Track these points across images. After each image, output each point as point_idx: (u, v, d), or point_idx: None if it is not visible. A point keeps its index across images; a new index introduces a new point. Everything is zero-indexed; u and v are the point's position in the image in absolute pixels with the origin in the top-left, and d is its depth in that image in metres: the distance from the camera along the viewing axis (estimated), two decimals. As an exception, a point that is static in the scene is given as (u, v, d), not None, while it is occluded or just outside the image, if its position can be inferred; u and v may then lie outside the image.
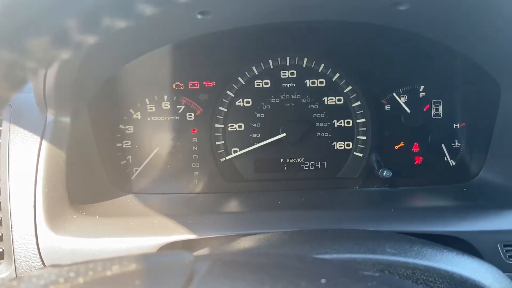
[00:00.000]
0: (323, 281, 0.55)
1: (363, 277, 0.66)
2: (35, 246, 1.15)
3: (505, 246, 1.13)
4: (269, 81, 1.64)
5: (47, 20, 0.38)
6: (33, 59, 0.40)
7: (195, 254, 0.86)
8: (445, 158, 1.61)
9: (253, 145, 1.63)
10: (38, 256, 1.15)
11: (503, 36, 1.17)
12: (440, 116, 1.62)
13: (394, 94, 1.62)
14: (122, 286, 0.50)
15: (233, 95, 1.63)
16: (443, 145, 1.61)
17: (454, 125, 1.62)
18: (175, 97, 1.63)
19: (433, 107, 1.62)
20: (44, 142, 1.24)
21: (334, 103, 1.63)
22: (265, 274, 0.58)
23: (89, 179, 1.43)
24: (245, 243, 0.88)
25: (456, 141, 1.62)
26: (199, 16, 1.11)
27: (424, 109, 1.61)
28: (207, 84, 1.62)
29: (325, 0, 1.14)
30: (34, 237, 1.15)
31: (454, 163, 1.62)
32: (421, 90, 1.61)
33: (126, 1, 0.39)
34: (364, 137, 1.63)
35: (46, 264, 1.15)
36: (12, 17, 0.38)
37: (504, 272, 0.92)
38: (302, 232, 0.97)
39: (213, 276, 0.54)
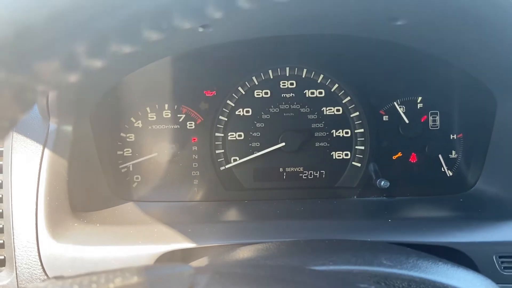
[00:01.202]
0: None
1: (359, 290, 0.68)
2: (36, 254, 1.16)
3: (500, 257, 1.14)
4: (269, 91, 1.66)
5: (57, 45, 0.40)
6: (43, 82, 0.42)
7: (193, 264, 0.88)
8: (442, 168, 1.63)
9: (253, 154, 1.65)
10: (39, 263, 1.16)
11: (499, 49, 1.19)
12: (437, 127, 1.64)
13: (392, 104, 1.63)
14: (124, 298, 0.52)
15: (233, 105, 1.65)
16: (440, 156, 1.63)
17: (451, 136, 1.64)
18: (175, 106, 1.65)
19: (430, 118, 1.64)
20: (46, 151, 1.26)
21: (332, 113, 1.66)
22: (264, 286, 0.59)
23: (90, 187, 1.44)
24: (243, 253, 0.90)
25: (453, 152, 1.64)
26: (200, 29, 1.13)
27: (422, 120, 1.63)
28: (208, 94, 1.64)
29: (324, 16, 1.16)
30: (36, 245, 1.17)
31: (451, 174, 1.63)
32: (418, 101, 1.64)
33: (133, 29, 0.40)
34: (362, 147, 1.64)
35: (47, 271, 1.16)
36: (23, 42, 0.39)
37: (500, 283, 0.94)
38: (300, 243, 0.99)
39: (212, 289, 0.55)
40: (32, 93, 0.42)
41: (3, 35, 0.38)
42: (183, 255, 1.22)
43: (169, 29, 0.43)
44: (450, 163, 1.63)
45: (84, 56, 0.41)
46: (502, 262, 1.14)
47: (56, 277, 0.56)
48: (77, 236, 1.21)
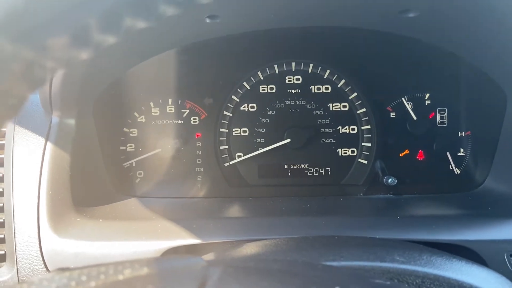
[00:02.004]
0: (337, 288, 0.54)
1: (374, 285, 0.66)
2: (38, 249, 1.14)
3: (511, 256, 1.12)
4: (274, 86, 1.63)
5: (69, 19, 0.38)
6: (53, 58, 0.39)
7: (207, 259, 0.85)
8: (450, 166, 1.61)
9: (257, 150, 1.62)
10: (41, 258, 1.14)
11: (511, 44, 1.17)
12: (445, 124, 1.61)
13: (400, 101, 1.61)
14: (134, 290, 0.49)
15: (238, 100, 1.63)
16: (448, 153, 1.60)
17: (459, 134, 1.61)
18: (179, 101, 1.63)
19: (438, 115, 1.61)
20: (49, 144, 1.24)
21: (339, 109, 1.63)
22: (277, 280, 0.57)
23: (92, 182, 1.42)
24: (254, 248, 0.87)
25: (461, 150, 1.61)
26: (207, 20, 1.11)
27: (429, 117, 1.61)
28: (212, 89, 1.62)
29: (333, 7, 1.14)
30: (37, 240, 1.14)
31: (459, 172, 1.61)
32: (426, 97, 1.61)
33: (149, 1, 0.38)
34: (369, 144, 1.62)
35: (48, 267, 1.14)
36: (33, 15, 0.37)
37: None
38: (309, 239, 0.96)
39: (226, 282, 0.53)
40: (42, 69, 0.40)
41: (12, 6, 0.36)
42: (187, 251, 1.19)
43: (185, 2, 0.40)
44: (458, 161, 1.61)
45: (96, 31, 0.39)
46: (513, 261, 1.12)
47: (62, 269, 0.54)
48: (79, 231, 1.18)
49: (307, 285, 0.57)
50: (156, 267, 0.52)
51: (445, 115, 1.61)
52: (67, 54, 0.40)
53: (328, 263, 0.81)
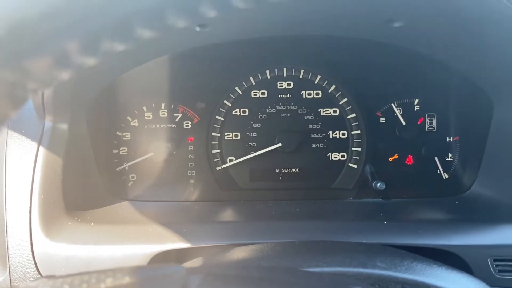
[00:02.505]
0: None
1: (352, 292, 0.68)
2: (30, 253, 1.15)
3: (495, 260, 1.14)
4: (266, 91, 1.65)
5: (49, 43, 0.40)
6: (34, 79, 0.41)
7: (186, 265, 0.87)
8: (438, 171, 1.63)
9: (249, 154, 1.64)
10: (33, 262, 1.15)
11: (496, 52, 1.19)
12: (434, 129, 1.64)
13: (389, 106, 1.63)
14: (115, 299, 0.51)
15: (230, 105, 1.65)
16: (436, 158, 1.63)
17: (448, 139, 1.64)
18: (172, 105, 1.64)
19: (427, 120, 1.64)
20: (41, 149, 1.25)
21: (329, 114, 1.65)
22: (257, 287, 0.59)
23: (85, 185, 1.44)
24: (237, 254, 0.89)
25: (449, 155, 1.64)
26: (197, 29, 1.13)
27: (418, 122, 1.63)
28: (204, 93, 1.64)
29: (321, 17, 1.16)
30: (29, 243, 1.16)
31: (447, 176, 1.63)
32: (415, 103, 1.64)
33: (125, 27, 0.40)
34: (359, 149, 1.64)
35: (40, 270, 1.15)
36: (15, 39, 0.39)
37: (494, 287, 0.93)
38: (294, 244, 0.98)
39: (204, 290, 0.55)
40: (23, 90, 0.42)
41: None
42: (178, 255, 1.21)
43: (163, 28, 0.42)
44: (446, 165, 1.63)
45: (76, 54, 0.41)
46: (496, 266, 1.14)
47: (48, 277, 0.56)
48: (71, 235, 1.20)
49: (286, 292, 0.59)
50: (137, 276, 0.54)
51: (434, 120, 1.63)
52: (48, 76, 0.42)
53: (311, 269, 0.83)
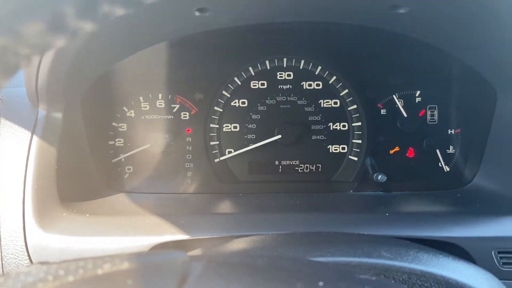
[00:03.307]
0: (321, 284, 0.53)
1: (359, 281, 0.65)
2: (23, 244, 1.13)
3: (499, 253, 1.12)
4: (265, 82, 1.62)
5: (43, 4, 0.37)
6: (27, 45, 0.38)
7: (189, 254, 0.84)
8: (440, 163, 1.61)
9: (248, 146, 1.61)
10: (26, 253, 1.13)
11: (501, 42, 1.17)
12: (435, 121, 1.62)
13: (390, 98, 1.61)
14: (113, 285, 0.48)
15: (228, 95, 1.62)
16: (437, 151, 1.61)
17: (449, 131, 1.62)
18: (169, 95, 1.61)
19: (428, 112, 1.61)
20: (35, 138, 1.22)
21: (330, 106, 1.63)
22: (260, 275, 0.56)
23: (80, 176, 1.41)
24: (240, 244, 0.87)
25: (451, 147, 1.62)
26: (196, 13, 1.10)
27: (420, 114, 1.61)
28: (203, 84, 1.61)
29: (324, 2, 1.13)
30: (22, 234, 1.13)
31: (448, 169, 1.61)
32: (417, 95, 1.61)
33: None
34: (360, 141, 1.62)
35: (33, 261, 1.13)
36: (6, 1, 0.36)
37: (498, 279, 0.91)
38: (297, 235, 0.96)
39: (207, 277, 0.52)
40: (15, 56, 0.38)
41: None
42: (175, 247, 1.18)
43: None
44: (448, 158, 1.61)
45: (72, 17, 0.38)
46: (501, 258, 1.12)
47: (42, 262, 0.53)
48: (65, 226, 1.17)
49: (291, 280, 0.56)
50: (136, 262, 0.51)
51: (436, 112, 1.61)
52: (42, 41, 0.38)
53: (315, 259, 0.80)
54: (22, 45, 0.38)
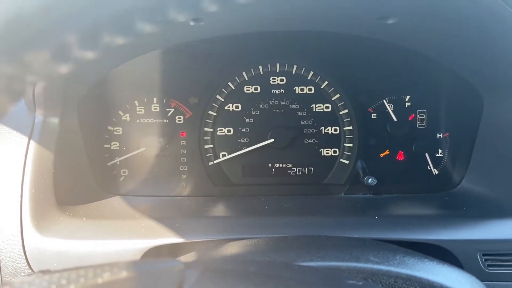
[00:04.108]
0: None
1: (347, 286, 0.68)
2: (21, 247, 1.14)
3: (484, 255, 1.16)
4: (258, 87, 1.65)
5: (48, 36, 0.39)
6: (33, 73, 0.41)
7: (182, 258, 0.87)
8: (428, 167, 1.65)
9: (242, 149, 1.64)
10: (24, 257, 1.14)
11: (487, 49, 1.21)
12: (424, 126, 1.66)
13: (381, 103, 1.65)
14: (113, 293, 0.51)
15: (222, 100, 1.65)
16: (426, 154, 1.65)
17: (438, 135, 1.66)
18: (164, 100, 1.63)
19: (418, 117, 1.65)
20: (32, 143, 1.23)
21: (322, 110, 1.66)
22: (253, 282, 0.59)
23: (76, 180, 1.43)
24: (232, 249, 0.90)
25: (440, 151, 1.66)
26: (191, 23, 1.12)
27: (409, 119, 1.65)
28: (197, 88, 1.63)
29: (314, 12, 1.16)
30: (20, 238, 1.14)
31: (437, 172, 1.65)
32: (406, 100, 1.65)
33: (126, 20, 0.40)
34: (351, 145, 1.66)
35: (31, 265, 1.14)
36: (14, 32, 0.38)
37: (483, 281, 0.95)
38: (289, 239, 0.99)
39: (202, 285, 0.55)
40: (21, 83, 0.41)
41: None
42: (170, 250, 1.21)
43: (163, 21, 0.42)
44: (436, 161, 1.65)
45: (75, 47, 0.40)
46: (485, 260, 1.16)
47: (43, 271, 0.55)
48: (62, 230, 1.19)
49: (282, 286, 0.59)
50: (134, 271, 0.54)
51: (425, 117, 1.65)
52: (47, 69, 0.41)
53: (305, 264, 0.84)
54: (27, 73, 0.41)
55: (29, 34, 0.39)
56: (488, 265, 1.16)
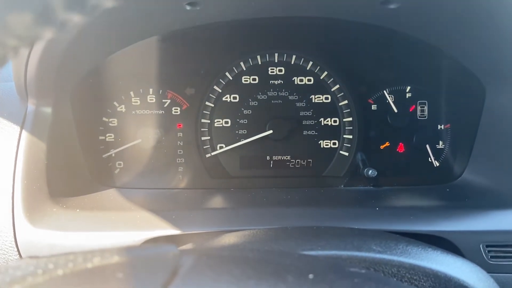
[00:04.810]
0: (310, 276, 0.54)
1: (349, 274, 0.66)
2: (13, 239, 1.12)
3: (487, 246, 1.14)
4: (257, 77, 1.62)
5: (31, -5, 0.36)
6: (15, 36, 0.38)
7: (180, 248, 0.84)
8: (429, 158, 1.63)
9: (239, 141, 1.61)
10: (16, 249, 1.12)
11: (489, 38, 1.18)
12: (425, 117, 1.63)
13: (381, 94, 1.62)
14: (103, 279, 0.48)
15: (220, 90, 1.62)
16: (427, 146, 1.62)
17: (439, 126, 1.63)
18: (160, 90, 1.60)
19: (418, 108, 1.63)
20: (24, 133, 1.21)
21: (321, 101, 1.63)
22: (251, 268, 0.57)
23: (70, 171, 1.39)
24: (231, 238, 0.87)
25: (441, 142, 1.63)
26: (187, 7, 1.09)
27: (410, 110, 1.62)
28: (194, 79, 1.60)
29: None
30: (12, 230, 1.12)
31: (438, 164, 1.63)
32: (407, 90, 1.62)
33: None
34: (350, 136, 1.63)
35: (23, 257, 1.12)
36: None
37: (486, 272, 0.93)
38: (288, 229, 0.96)
39: (198, 270, 0.52)
40: (3, 48, 0.38)
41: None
42: (167, 242, 1.18)
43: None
44: (437, 153, 1.63)
45: (60, 8, 0.37)
46: (489, 251, 1.14)
47: (31, 257, 0.53)
48: (55, 222, 1.16)
49: (281, 273, 0.57)
50: (127, 256, 0.51)
51: (425, 108, 1.63)
52: (30, 33, 0.38)
53: (306, 253, 0.81)
54: (9, 37, 0.38)
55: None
56: (491, 257, 1.14)
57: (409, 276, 0.81)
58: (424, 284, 0.81)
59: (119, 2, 0.38)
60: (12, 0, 0.36)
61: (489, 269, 1.11)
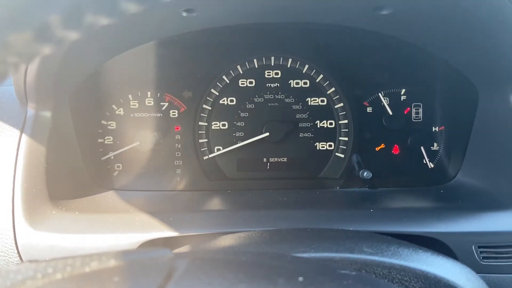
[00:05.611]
0: (300, 279, 0.56)
1: (339, 276, 0.68)
2: (13, 242, 1.13)
3: (479, 247, 1.16)
4: (253, 81, 1.64)
5: (30, 15, 0.38)
6: (15, 53, 0.40)
7: (175, 252, 0.86)
8: (424, 160, 1.65)
9: (236, 144, 1.63)
10: (16, 251, 1.13)
11: (483, 43, 1.20)
12: (420, 119, 1.65)
13: (376, 96, 1.64)
14: (100, 282, 0.50)
15: (217, 93, 1.64)
16: (422, 148, 1.64)
17: (433, 128, 1.65)
18: (158, 93, 1.62)
19: (413, 110, 1.65)
20: (24, 136, 1.22)
21: (317, 104, 1.65)
22: (243, 272, 0.59)
23: (69, 174, 1.41)
24: (225, 241, 0.89)
25: (435, 144, 1.65)
26: (184, 14, 1.11)
27: (405, 112, 1.65)
28: (192, 82, 1.62)
29: (310, 4, 1.15)
30: (12, 232, 1.14)
31: (432, 166, 1.65)
32: (402, 93, 1.64)
33: (110, -1, 0.39)
34: (346, 138, 1.65)
35: (24, 260, 1.14)
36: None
37: (478, 273, 0.95)
38: (282, 231, 0.98)
39: (192, 274, 0.54)
40: (4, 65, 0.40)
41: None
42: (165, 244, 1.20)
43: (148, 1, 0.41)
44: (432, 155, 1.65)
45: (58, 27, 0.39)
46: (481, 252, 1.15)
47: (30, 261, 0.55)
48: (55, 224, 1.18)
49: (273, 275, 0.59)
50: (123, 260, 0.53)
51: (420, 110, 1.65)
52: (29, 50, 0.40)
53: (298, 255, 0.83)
54: (10, 54, 0.40)
55: (10, 14, 0.38)
56: (483, 257, 1.15)
57: (399, 277, 0.83)
58: (415, 285, 0.83)
59: (113, 20, 0.40)
60: (11, 20, 0.38)
61: (481, 270, 1.13)
